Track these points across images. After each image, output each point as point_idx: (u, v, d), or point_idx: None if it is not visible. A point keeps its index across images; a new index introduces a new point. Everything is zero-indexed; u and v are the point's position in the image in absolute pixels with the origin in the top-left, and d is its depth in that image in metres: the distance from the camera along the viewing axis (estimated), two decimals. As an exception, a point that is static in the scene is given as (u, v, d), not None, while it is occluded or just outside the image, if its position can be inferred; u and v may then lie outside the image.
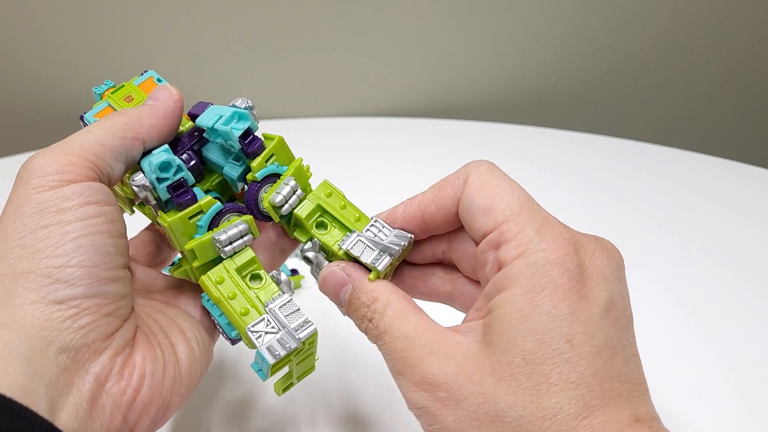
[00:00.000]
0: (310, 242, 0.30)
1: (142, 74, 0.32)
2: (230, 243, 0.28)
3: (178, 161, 0.28)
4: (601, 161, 0.76)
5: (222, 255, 0.29)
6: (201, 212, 0.29)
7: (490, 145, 0.81)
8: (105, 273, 0.24)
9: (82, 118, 0.31)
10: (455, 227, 0.28)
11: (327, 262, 0.30)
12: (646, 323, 0.47)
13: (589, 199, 0.65)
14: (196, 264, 0.29)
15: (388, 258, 0.28)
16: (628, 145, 0.81)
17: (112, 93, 0.31)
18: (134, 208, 0.32)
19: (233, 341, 0.30)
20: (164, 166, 0.28)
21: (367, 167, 0.74)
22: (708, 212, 0.63)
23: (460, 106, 0.96)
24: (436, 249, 0.30)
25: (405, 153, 0.78)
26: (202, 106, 0.30)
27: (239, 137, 0.28)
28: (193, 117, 0.30)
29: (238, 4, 0.83)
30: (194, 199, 0.28)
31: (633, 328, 0.25)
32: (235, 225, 0.28)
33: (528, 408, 0.22)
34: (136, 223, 0.33)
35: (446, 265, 0.31)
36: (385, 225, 0.29)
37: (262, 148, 0.30)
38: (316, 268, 0.30)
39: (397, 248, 0.28)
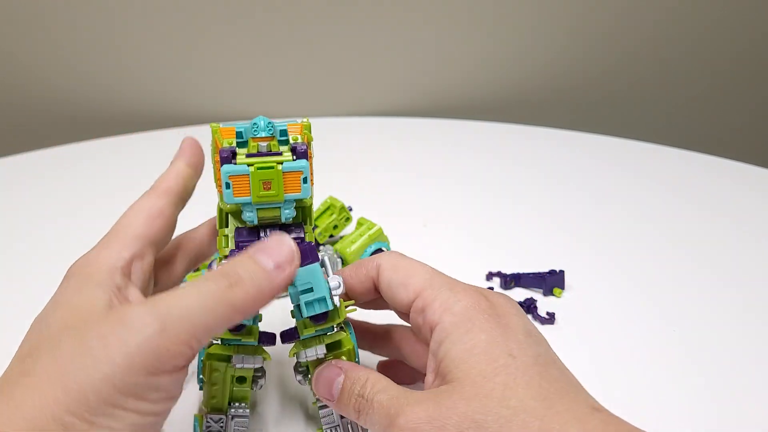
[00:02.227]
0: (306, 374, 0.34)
1: (292, 146, 0.30)
2: (242, 364, 0.32)
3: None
4: (602, 161, 0.76)
5: (231, 363, 0.32)
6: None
7: (490, 145, 0.81)
8: None
9: (227, 158, 0.28)
10: (371, 297, 0.34)
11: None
12: (646, 323, 0.47)
13: (589, 199, 0.65)
14: (209, 351, 0.32)
15: None
16: (627, 145, 0.81)
17: (258, 169, 0.28)
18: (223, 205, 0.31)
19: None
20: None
21: (368, 167, 0.74)
22: (708, 212, 0.63)
23: (460, 106, 0.96)
24: (392, 354, 0.36)
25: (405, 153, 0.78)
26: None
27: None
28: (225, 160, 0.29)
29: (238, 4, 0.83)
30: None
31: (552, 349, 0.29)
32: (254, 359, 0.32)
33: (500, 412, 0.25)
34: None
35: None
36: None
37: (324, 317, 0.31)
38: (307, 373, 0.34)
39: None
